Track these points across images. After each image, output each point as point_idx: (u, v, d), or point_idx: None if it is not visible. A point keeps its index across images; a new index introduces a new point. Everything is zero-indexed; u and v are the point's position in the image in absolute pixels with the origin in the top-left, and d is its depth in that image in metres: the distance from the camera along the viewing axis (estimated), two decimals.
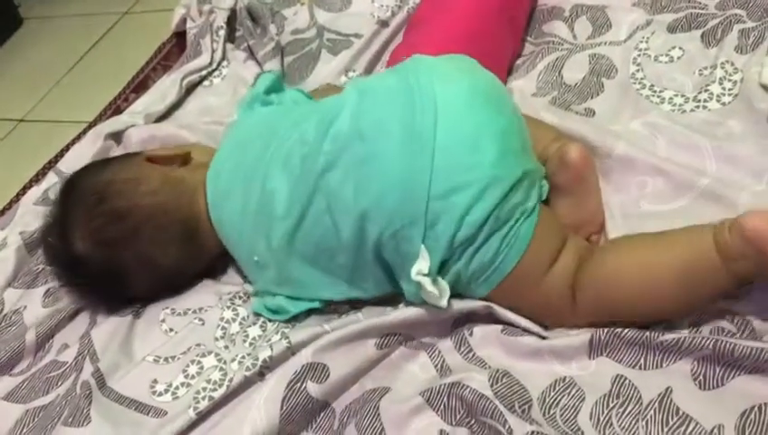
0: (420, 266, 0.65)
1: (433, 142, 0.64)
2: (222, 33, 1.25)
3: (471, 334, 0.70)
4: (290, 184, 0.71)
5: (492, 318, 0.70)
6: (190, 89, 1.22)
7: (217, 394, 0.69)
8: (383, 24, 1.14)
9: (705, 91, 0.83)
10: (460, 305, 0.70)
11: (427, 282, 0.65)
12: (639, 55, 0.92)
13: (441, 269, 0.67)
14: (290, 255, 0.73)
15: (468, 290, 0.70)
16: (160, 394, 0.74)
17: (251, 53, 1.22)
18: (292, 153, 0.72)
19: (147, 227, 0.78)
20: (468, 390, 0.64)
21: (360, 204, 0.66)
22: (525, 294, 0.68)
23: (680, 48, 0.90)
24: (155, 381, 0.75)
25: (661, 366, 0.62)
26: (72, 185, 0.83)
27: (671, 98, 0.85)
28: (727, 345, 0.59)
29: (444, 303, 0.66)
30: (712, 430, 0.57)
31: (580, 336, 0.65)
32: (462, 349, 0.70)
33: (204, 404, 0.69)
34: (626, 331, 0.64)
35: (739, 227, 0.58)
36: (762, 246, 0.57)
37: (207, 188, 0.80)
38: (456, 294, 0.69)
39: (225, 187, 0.78)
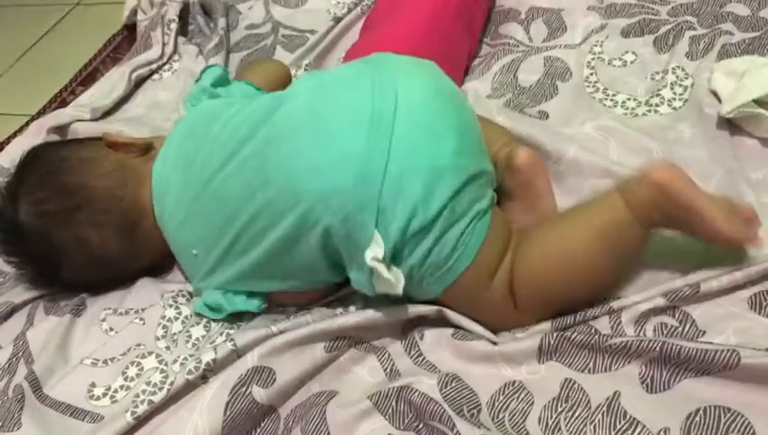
0: (375, 252, 0.62)
1: (392, 127, 0.63)
2: (174, 26, 1.22)
3: (422, 338, 0.69)
4: (230, 169, 0.69)
5: (443, 322, 0.69)
6: (139, 82, 1.18)
7: (157, 398, 0.67)
8: (338, 20, 1.13)
9: (657, 95, 0.84)
10: (411, 309, 0.69)
11: (382, 268, 0.63)
12: (594, 59, 0.92)
13: (395, 262, 0.65)
14: (231, 244, 0.70)
15: (420, 289, 0.68)
16: (98, 398, 0.71)
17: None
18: (234, 136, 0.70)
19: (89, 207, 0.77)
20: (417, 393, 0.63)
21: (310, 183, 0.63)
22: (474, 297, 0.67)
23: (633, 53, 0.91)
24: (93, 385, 0.71)
25: (610, 370, 0.62)
26: (32, 156, 0.83)
27: (624, 102, 0.85)
28: (674, 347, 0.59)
29: (399, 290, 0.64)
30: (658, 433, 0.57)
31: (530, 340, 0.65)
32: (412, 353, 0.69)
33: (143, 408, 0.66)
34: (575, 334, 0.63)
35: (648, 178, 0.63)
36: (669, 192, 0.62)
37: (153, 179, 0.78)
38: (407, 298, 0.68)
39: (166, 177, 0.77)
